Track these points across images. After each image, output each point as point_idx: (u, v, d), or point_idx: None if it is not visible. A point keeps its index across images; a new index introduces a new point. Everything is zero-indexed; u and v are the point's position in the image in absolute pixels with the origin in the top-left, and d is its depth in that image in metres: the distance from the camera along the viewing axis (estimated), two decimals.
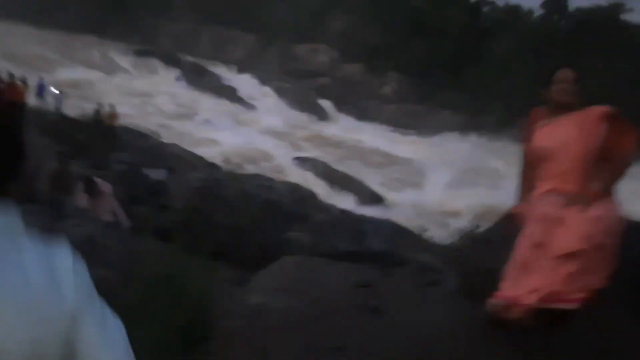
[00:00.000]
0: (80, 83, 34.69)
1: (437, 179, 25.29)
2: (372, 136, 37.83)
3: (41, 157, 12.80)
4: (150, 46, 53.15)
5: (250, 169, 19.02)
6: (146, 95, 36.37)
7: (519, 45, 58.63)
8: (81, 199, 8.67)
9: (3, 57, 30.38)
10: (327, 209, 14.50)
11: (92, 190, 8.28)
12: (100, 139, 15.57)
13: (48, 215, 7.41)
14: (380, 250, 12.04)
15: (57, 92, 22.24)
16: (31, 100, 18.85)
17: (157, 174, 14.13)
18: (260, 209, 12.64)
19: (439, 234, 13.02)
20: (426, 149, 36.37)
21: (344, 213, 14.59)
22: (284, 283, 6.03)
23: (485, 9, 70.47)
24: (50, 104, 21.82)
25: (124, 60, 47.61)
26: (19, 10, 50.95)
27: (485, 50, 59.48)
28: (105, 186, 8.87)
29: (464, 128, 51.79)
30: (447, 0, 65.58)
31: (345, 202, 19.14)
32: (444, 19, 60.75)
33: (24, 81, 14.99)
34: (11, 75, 14.24)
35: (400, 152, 33.22)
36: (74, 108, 22.08)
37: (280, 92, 49.33)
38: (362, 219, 14.15)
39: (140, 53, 50.21)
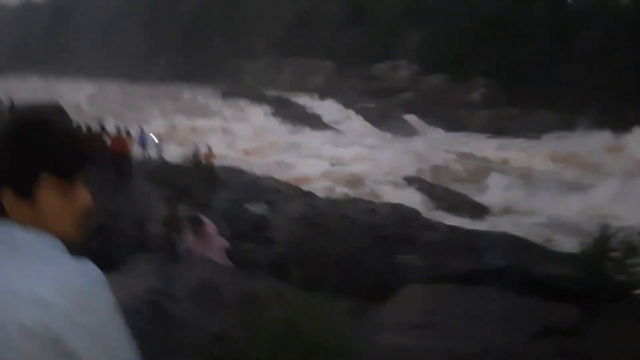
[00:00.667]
0: (177, 128, 36.48)
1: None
2: (468, 145, 36.32)
3: (149, 203, 13.19)
4: (236, 86, 55.27)
5: (346, 193, 18.65)
6: (236, 132, 37.52)
7: (611, 34, 54.64)
8: (190, 241, 8.65)
9: (105, 111, 32.63)
10: (435, 227, 13.72)
11: (199, 230, 8.20)
12: (201, 180, 15.95)
13: (163, 259, 7.39)
14: (502, 266, 11.09)
15: (157, 140, 23.29)
16: (135, 150, 19.86)
17: (257, 208, 14.13)
18: (364, 234, 12.16)
19: (567, 243, 11.81)
20: (529, 151, 34.31)
21: (454, 230, 13.71)
22: (416, 317, 5.46)
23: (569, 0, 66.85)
24: (152, 152, 22.89)
25: (213, 103, 49.75)
26: (115, 69, 55.30)
27: (576, 43, 55.86)
28: (211, 226, 8.79)
29: (565, 126, 48.77)
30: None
31: (451, 218, 18.16)
32: (524, 19, 58.14)
33: (128, 132, 15.79)
34: (117, 128, 15.04)
35: (501, 157, 31.52)
36: (173, 153, 23.03)
37: (364, 113, 49.09)
38: (475, 234, 13.22)
39: (227, 94, 52.28)
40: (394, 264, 11.66)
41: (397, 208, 14.51)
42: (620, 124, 48.47)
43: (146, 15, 57.22)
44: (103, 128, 14.19)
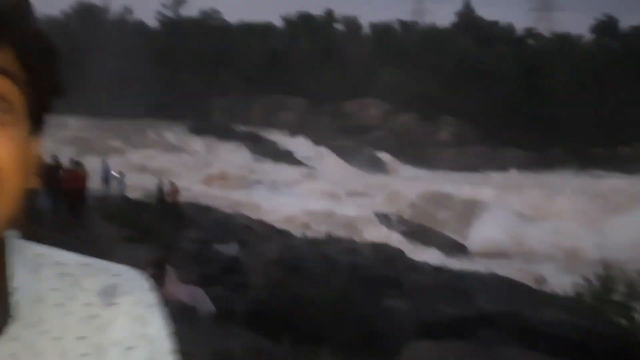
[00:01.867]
0: (142, 165, 35.11)
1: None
2: (439, 183, 36.01)
3: (108, 245, 11.94)
4: (204, 122, 54.22)
5: (325, 232, 17.68)
6: (205, 169, 36.33)
7: (575, 73, 56.33)
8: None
9: (65, 145, 31.13)
10: (420, 267, 12.86)
11: (162, 276, 7.03)
12: (166, 218, 14.77)
13: None
14: (495, 312, 10.22)
15: (118, 175, 22.02)
16: (96, 185, 18.59)
17: (229, 249, 13.00)
18: (347, 276, 11.17)
19: (561, 283, 11.07)
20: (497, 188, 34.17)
21: (439, 270, 12.86)
22: None
23: (530, 41, 68.92)
24: (114, 189, 21.58)
25: (180, 139, 48.54)
26: (77, 102, 53.64)
27: (542, 83, 57.33)
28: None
29: (531, 164, 49.48)
30: (491, 40, 64.70)
31: (430, 255, 17.37)
32: (491, 58, 59.61)
33: (80, 165, 14.29)
34: (72, 162, 13.75)
35: (475, 195, 31.16)
36: (138, 190, 21.73)
37: (336, 150, 48.68)
38: (462, 275, 12.39)
39: (195, 129, 51.17)
40: (380, 309, 10.68)
41: (379, 248, 13.62)
42: (584, 163, 49.62)
43: (112, 48, 56.13)
44: (56, 161, 12.91)
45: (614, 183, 36.43)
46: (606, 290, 9.32)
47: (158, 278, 7.12)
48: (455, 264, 15.17)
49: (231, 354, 5.22)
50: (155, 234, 12.93)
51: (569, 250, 18.53)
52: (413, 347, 5.35)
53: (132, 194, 20.28)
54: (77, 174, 12.92)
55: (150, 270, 7.20)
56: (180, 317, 5.47)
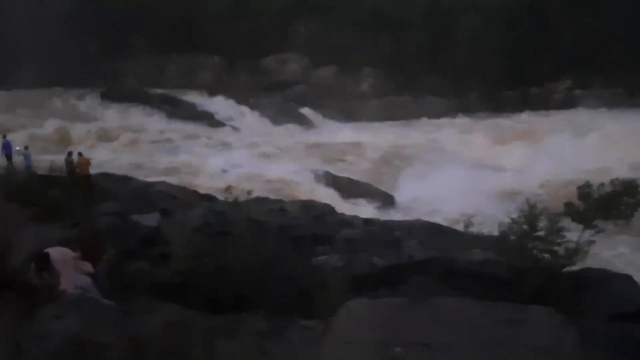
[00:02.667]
0: (50, 136, 32.65)
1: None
2: (364, 135, 36.12)
3: (10, 228, 10.84)
4: (116, 87, 51.14)
5: (250, 193, 17.05)
6: (119, 136, 34.31)
7: (486, 19, 57.65)
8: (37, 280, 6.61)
9: None
10: (350, 222, 12.68)
11: (44, 266, 6.26)
12: (76, 192, 13.61)
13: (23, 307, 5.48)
14: (425, 259, 10.23)
15: (23, 149, 20.23)
16: None
17: (148, 220, 12.19)
18: (276, 238, 10.77)
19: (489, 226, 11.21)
20: (421, 136, 34.80)
21: (369, 222, 12.76)
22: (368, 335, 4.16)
23: None
24: (18, 165, 19.83)
25: (92, 106, 45.56)
26: None
27: (455, 30, 58.32)
28: (62, 256, 6.73)
29: (451, 111, 50.91)
30: None
31: (360, 209, 17.32)
32: (405, 9, 59.72)
33: None
34: None
35: (401, 144, 31.49)
36: (43, 164, 20.07)
37: (258, 108, 47.54)
38: (390, 224, 12.35)
39: (107, 95, 48.21)
40: (311, 267, 10.43)
41: (308, 205, 13.29)
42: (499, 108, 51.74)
43: (14, 14, 51.34)
44: None
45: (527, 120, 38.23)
46: (530, 228, 9.51)
47: (41, 268, 6.32)
48: (385, 215, 15.18)
49: (148, 335, 4.70)
50: (65, 211, 11.88)
51: (493, 190, 19.18)
52: (347, 305, 5.06)
53: (40, 170, 18.70)
54: None
55: (33, 269, 6.39)
56: (83, 309, 4.87)
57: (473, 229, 11.51)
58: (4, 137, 20.59)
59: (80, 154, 17.27)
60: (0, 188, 14.02)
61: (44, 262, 6.17)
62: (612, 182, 9.88)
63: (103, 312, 4.94)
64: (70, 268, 6.43)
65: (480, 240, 11.35)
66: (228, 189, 12.50)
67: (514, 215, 10.41)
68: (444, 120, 45.82)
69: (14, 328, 4.56)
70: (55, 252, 6.50)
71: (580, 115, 41.72)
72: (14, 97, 44.22)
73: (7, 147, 20.06)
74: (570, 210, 9.94)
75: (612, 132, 30.25)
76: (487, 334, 4.49)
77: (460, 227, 11.81)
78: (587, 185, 9.98)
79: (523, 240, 9.69)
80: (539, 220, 9.46)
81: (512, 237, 10.32)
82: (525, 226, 9.75)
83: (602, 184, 9.91)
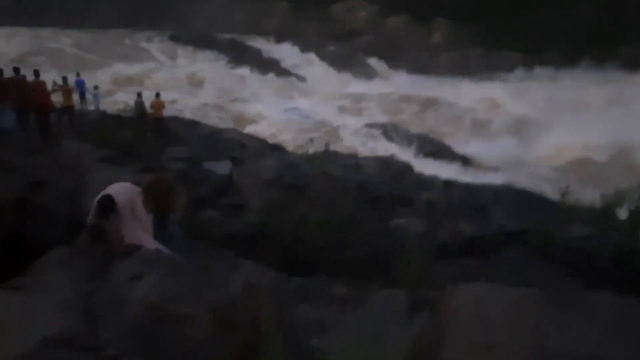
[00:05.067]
0: (119, 79, 32.93)
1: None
2: (429, 88, 34.37)
3: (85, 167, 10.65)
4: (184, 30, 51.06)
5: (323, 146, 16.35)
6: (189, 81, 34.21)
7: None
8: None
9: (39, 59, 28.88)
10: (429, 182, 11.79)
11: (107, 212, 5.53)
12: (148, 134, 13.36)
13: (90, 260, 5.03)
14: (516, 230, 9.27)
15: (93, 89, 20.27)
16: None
17: (220, 168, 11.73)
18: (354, 196, 10.09)
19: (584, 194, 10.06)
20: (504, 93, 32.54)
21: (450, 185, 11.82)
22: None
23: None
24: (90, 105, 19.95)
25: (160, 49, 45.69)
26: (53, 16, 50.06)
27: None
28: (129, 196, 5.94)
29: (529, 67, 47.74)
30: None
31: (435, 168, 16.32)
32: None
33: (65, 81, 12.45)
34: (35, 73, 12.01)
35: (476, 101, 29.70)
36: (117, 106, 20.08)
37: (325, 57, 46.24)
38: (475, 189, 11.35)
39: (175, 38, 48.20)
40: (390, 230, 9.71)
41: (385, 162, 12.45)
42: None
43: None
44: (17, 72, 11.19)
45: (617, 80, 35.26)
46: None
47: (104, 215, 5.67)
48: (463, 176, 14.15)
49: (230, 302, 4.15)
50: (136, 153, 11.62)
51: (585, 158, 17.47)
52: (460, 289, 4.31)
53: (110, 110, 18.68)
54: (40, 86, 11.32)
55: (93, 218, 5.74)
56: (163, 269, 4.35)
57: (570, 199, 10.39)
58: (77, 75, 20.63)
59: (158, 95, 16.90)
60: (75, 127, 13.99)
61: (108, 206, 5.49)
62: None
63: (184, 274, 4.43)
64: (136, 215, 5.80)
65: (578, 212, 10.22)
66: (297, 140, 11.90)
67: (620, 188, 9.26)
68: (518, 75, 42.90)
69: (87, 287, 4.11)
70: (122, 194, 5.74)
71: None
72: (85, 37, 44.88)
73: (81, 85, 20.10)
74: None
75: None
76: None
77: (554, 196, 10.68)
78: None
79: (636, 216, 8.57)
80: None
81: (619, 211, 9.22)
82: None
83: None
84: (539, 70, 45.54)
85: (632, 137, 18.80)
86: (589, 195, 10.47)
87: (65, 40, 43.03)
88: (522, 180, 14.03)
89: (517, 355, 2.99)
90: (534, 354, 2.99)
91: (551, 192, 11.30)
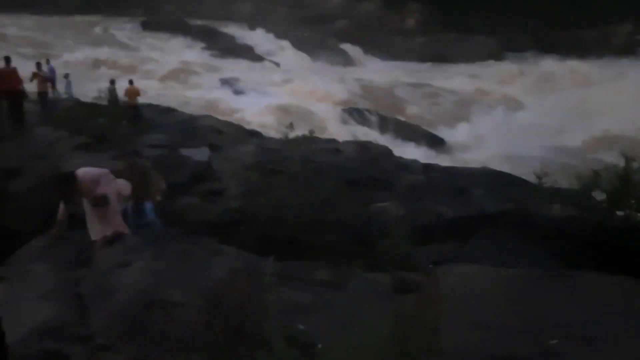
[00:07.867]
0: (89, 64, 32.19)
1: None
2: (410, 74, 34.51)
3: (59, 154, 10.44)
4: (156, 16, 50.07)
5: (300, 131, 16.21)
6: (159, 67, 33.60)
7: None
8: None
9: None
10: (409, 166, 11.87)
11: (69, 194, 5.45)
12: (122, 121, 13.10)
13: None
14: (496, 211, 9.41)
15: (63, 77, 19.79)
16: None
17: (198, 154, 11.62)
18: (332, 179, 10.08)
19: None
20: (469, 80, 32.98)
21: (430, 168, 11.92)
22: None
23: None
24: (62, 92, 19.48)
25: (131, 36, 44.74)
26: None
27: None
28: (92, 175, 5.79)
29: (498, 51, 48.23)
30: None
31: (409, 151, 16.44)
32: None
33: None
34: (5, 59, 11.64)
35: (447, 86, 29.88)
36: (88, 92, 19.63)
37: (299, 43, 45.94)
38: (454, 171, 11.48)
39: (147, 25, 47.25)
40: (370, 214, 9.77)
41: (363, 146, 12.49)
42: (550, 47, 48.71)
43: None
44: None
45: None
46: (622, 183, 8.49)
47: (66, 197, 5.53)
48: (441, 160, 14.28)
49: (216, 286, 4.13)
50: (112, 141, 11.42)
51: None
52: (449, 270, 4.37)
53: (83, 97, 18.26)
54: (10, 72, 10.99)
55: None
56: (149, 256, 4.29)
57: (547, 181, 10.53)
58: (48, 62, 20.10)
59: (130, 82, 16.66)
60: (48, 114, 13.67)
61: (68, 183, 5.35)
62: None
63: (170, 260, 4.38)
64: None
65: (557, 194, 10.38)
66: (273, 125, 11.83)
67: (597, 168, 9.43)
68: (490, 62, 43.45)
69: (73, 276, 4.03)
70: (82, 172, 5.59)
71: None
72: (55, 23, 43.69)
73: (53, 72, 19.60)
74: None
75: None
76: None
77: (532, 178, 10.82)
78: None
79: (613, 196, 8.71)
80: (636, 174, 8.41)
81: (597, 192, 9.38)
82: (617, 180, 8.72)
83: None
84: (510, 54, 46.15)
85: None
86: (565, 178, 10.64)
87: (34, 26, 41.79)
88: (501, 163, 14.23)
89: (512, 333, 3.05)
90: (528, 332, 3.05)
91: (529, 175, 11.47)
